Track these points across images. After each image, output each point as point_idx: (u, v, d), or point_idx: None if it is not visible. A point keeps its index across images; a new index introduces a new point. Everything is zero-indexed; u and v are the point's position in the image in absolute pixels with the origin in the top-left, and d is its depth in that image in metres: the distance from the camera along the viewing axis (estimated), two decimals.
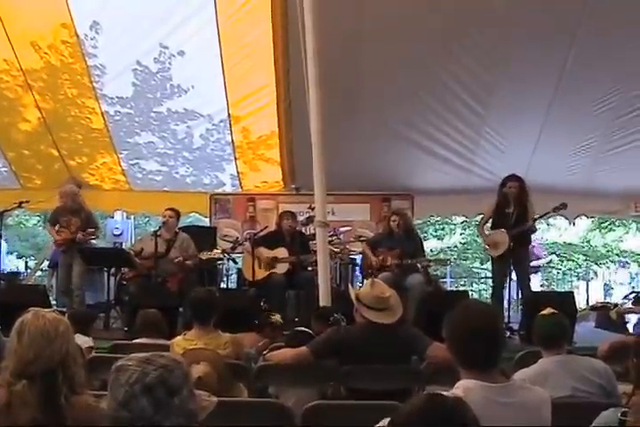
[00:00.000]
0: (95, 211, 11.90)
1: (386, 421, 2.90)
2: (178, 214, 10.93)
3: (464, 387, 3.08)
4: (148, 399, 2.50)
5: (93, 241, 11.30)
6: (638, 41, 9.60)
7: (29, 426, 3.02)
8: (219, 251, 11.07)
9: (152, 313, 7.15)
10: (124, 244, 14.44)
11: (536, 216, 10.33)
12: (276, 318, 7.62)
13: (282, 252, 10.69)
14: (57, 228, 10.71)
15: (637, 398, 2.99)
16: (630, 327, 10.54)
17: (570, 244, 27.23)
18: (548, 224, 24.74)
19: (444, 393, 2.48)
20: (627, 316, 10.79)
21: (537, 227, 10.66)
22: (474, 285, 23.79)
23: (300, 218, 11.38)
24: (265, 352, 6.19)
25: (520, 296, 10.57)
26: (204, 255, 10.63)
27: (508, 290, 10.53)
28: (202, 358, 5.16)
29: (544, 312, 5.19)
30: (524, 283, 10.35)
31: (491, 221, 10.51)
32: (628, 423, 2.98)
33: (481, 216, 11.13)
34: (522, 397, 3.15)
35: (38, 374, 3.10)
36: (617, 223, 25.42)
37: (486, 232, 10.55)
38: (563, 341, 5.05)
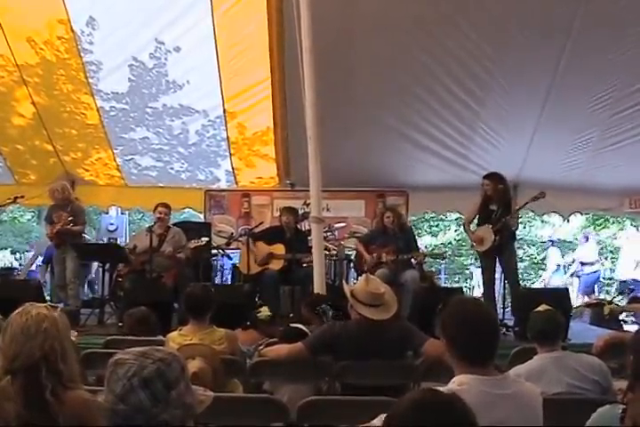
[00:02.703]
0: (90, 206, 11.92)
1: (383, 416, 2.91)
2: (169, 208, 10.93)
3: (460, 381, 3.09)
4: (146, 392, 2.51)
5: (87, 236, 11.30)
6: (635, 36, 9.59)
7: (14, 421, 3.04)
8: (206, 238, 11.04)
9: (140, 311, 7.07)
10: (118, 239, 14.44)
11: (516, 207, 10.32)
12: (264, 312, 7.62)
13: (279, 248, 10.68)
14: (52, 225, 10.69)
15: (636, 395, 2.99)
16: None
17: (564, 241, 27.21)
18: (542, 221, 24.74)
19: (440, 388, 2.47)
20: (621, 314, 10.80)
21: (518, 223, 10.60)
22: (468, 281, 23.78)
23: None
24: (260, 348, 6.18)
25: (509, 292, 10.58)
26: (192, 244, 10.62)
27: (502, 287, 10.56)
28: (197, 354, 5.15)
29: (539, 309, 5.22)
30: (512, 278, 10.34)
31: (477, 218, 10.53)
32: (627, 421, 2.98)
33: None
34: (516, 388, 3.18)
35: (20, 370, 3.12)
36: (611, 220, 25.40)
37: (472, 229, 10.57)
38: (557, 337, 5.07)
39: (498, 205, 10.12)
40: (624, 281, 16.93)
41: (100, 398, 2.64)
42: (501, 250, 10.11)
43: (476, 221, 10.57)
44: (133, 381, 2.52)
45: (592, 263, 17.26)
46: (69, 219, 10.46)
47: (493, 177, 10.25)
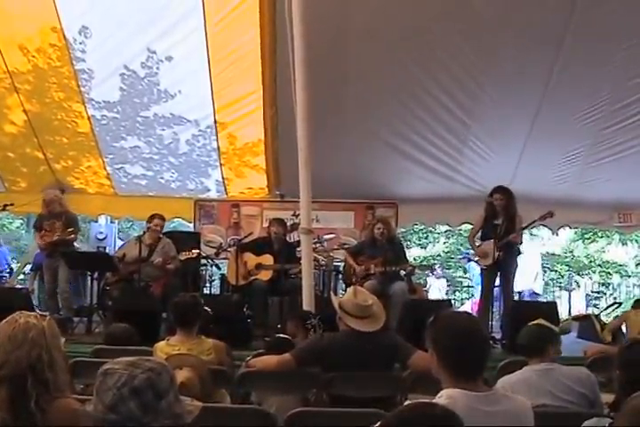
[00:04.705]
0: (79, 215, 11.88)
1: None
2: (164, 220, 10.98)
3: (447, 395, 3.08)
4: (136, 402, 2.51)
5: (76, 244, 11.29)
6: (626, 51, 9.64)
7: None
8: (197, 251, 11.06)
9: (120, 328, 7.02)
10: (107, 248, 14.41)
11: (523, 225, 10.39)
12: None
13: (267, 259, 10.68)
14: (42, 233, 10.66)
15: (622, 410, 3.00)
16: None
17: (553, 254, 27.28)
18: (531, 234, 24.79)
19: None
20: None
21: (522, 239, 10.66)
22: (457, 293, 23.79)
23: None
24: (248, 359, 6.18)
25: (502, 306, 10.62)
26: (183, 256, 10.64)
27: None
28: (185, 364, 5.16)
29: (532, 322, 5.26)
30: (507, 293, 10.43)
31: (480, 232, 10.58)
32: None
33: (470, 227, 11.22)
34: (505, 405, 3.16)
35: (6, 379, 3.11)
36: (600, 234, 25.50)
37: (476, 243, 10.62)
38: (546, 350, 5.06)
39: (502, 220, 10.18)
40: (520, 292, 17.08)
41: (89, 408, 2.64)
42: (504, 265, 10.17)
43: (479, 234, 10.64)
44: (123, 390, 2.52)
45: None
46: (70, 230, 10.48)
47: (504, 191, 10.30)
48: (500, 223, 10.20)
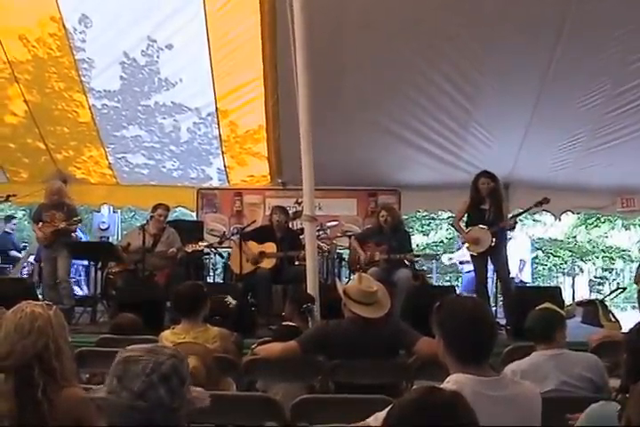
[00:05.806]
0: (82, 205, 11.90)
1: (378, 415, 2.91)
2: (168, 210, 11.00)
3: (454, 381, 3.07)
4: (165, 388, 2.52)
5: (80, 234, 11.27)
6: (624, 37, 9.61)
7: (7, 420, 3.05)
8: (204, 243, 11.07)
9: (128, 318, 6.99)
10: (110, 238, 14.41)
11: (519, 211, 10.37)
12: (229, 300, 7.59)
13: (270, 246, 10.67)
14: (40, 225, 10.63)
15: (631, 395, 2.99)
16: None
17: (555, 240, 27.26)
18: (534, 220, 24.79)
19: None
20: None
21: (516, 223, 10.66)
22: (459, 280, 23.78)
23: None
24: (254, 346, 6.18)
25: (501, 291, 10.59)
26: (190, 248, 10.64)
27: (495, 285, 10.61)
28: (191, 352, 5.13)
29: (539, 307, 5.24)
30: (503, 277, 10.37)
31: (466, 217, 10.53)
32: (622, 421, 2.98)
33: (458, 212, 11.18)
34: (512, 391, 3.15)
35: (13, 368, 3.12)
36: (602, 219, 25.44)
37: (465, 229, 10.55)
38: (554, 336, 5.05)
39: (489, 205, 10.14)
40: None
41: (100, 394, 2.63)
42: (496, 251, 10.13)
43: (465, 219, 10.58)
44: (153, 377, 2.53)
45: (469, 262, 17.25)
46: (75, 219, 10.48)
47: (492, 175, 10.26)
48: (488, 208, 10.17)
